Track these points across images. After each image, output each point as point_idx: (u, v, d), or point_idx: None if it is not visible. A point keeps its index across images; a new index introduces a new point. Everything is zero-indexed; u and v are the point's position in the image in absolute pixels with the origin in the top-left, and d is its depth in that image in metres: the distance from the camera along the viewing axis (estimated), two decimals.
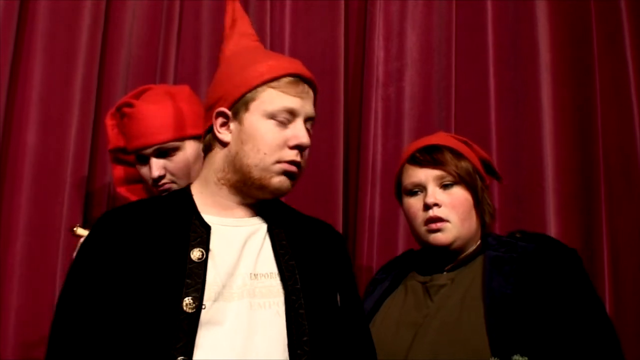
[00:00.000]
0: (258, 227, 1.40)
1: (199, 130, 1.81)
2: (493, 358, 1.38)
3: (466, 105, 2.39)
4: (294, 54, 2.39)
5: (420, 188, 1.62)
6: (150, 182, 1.80)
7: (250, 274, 1.33)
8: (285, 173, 1.36)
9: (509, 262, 1.53)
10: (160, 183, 1.77)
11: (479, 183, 1.64)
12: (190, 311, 1.24)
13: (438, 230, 1.58)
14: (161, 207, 1.41)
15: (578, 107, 2.41)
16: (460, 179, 1.60)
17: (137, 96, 1.84)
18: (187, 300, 1.24)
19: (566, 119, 2.42)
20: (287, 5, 2.43)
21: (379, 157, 2.36)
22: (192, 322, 1.23)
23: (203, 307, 1.25)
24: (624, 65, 2.38)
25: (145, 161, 1.78)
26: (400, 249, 2.27)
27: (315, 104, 1.44)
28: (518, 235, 1.64)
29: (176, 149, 1.77)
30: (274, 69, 1.39)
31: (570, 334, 1.44)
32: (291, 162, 1.36)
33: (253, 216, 1.41)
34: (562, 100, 2.43)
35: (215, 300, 1.27)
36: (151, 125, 1.75)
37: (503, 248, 1.58)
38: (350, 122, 2.42)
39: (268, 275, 1.34)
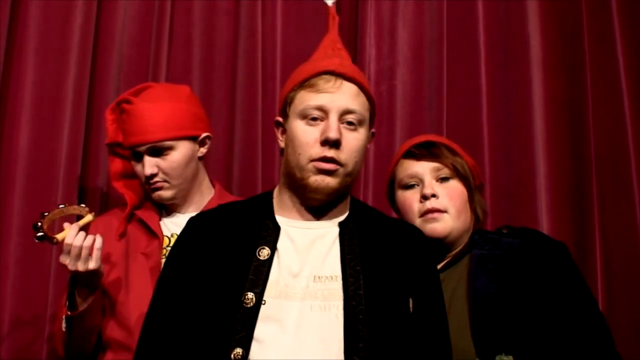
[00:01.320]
0: (329, 230, 1.42)
1: (195, 132, 1.83)
2: (477, 359, 1.39)
3: (458, 103, 2.40)
4: (285, 53, 2.39)
5: (417, 181, 1.63)
6: (143, 179, 1.81)
7: (314, 276, 1.35)
8: (320, 171, 1.35)
9: (493, 260, 1.53)
10: (152, 181, 1.79)
11: (472, 179, 1.65)
12: (249, 305, 1.30)
13: (435, 220, 1.59)
14: (244, 209, 1.50)
15: (569, 104, 2.42)
16: (456, 173, 1.62)
17: (137, 93, 1.85)
18: (249, 294, 1.31)
19: (557, 116, 2.43)
20: (278, 5, 2.43)
21: (371, 154, 2.36)
22: (251, 316, 1.29)
23: (263, 302, 1.30)
24: (614, 63, 2.39)
25: (140, 158, 1.79)
26: None
27: (364, 97, 1.41)
28: (504, 231, 1.65)
29: (170, 149, 1.78)
30: (307, 71, 1.42)
31: (558, 330, 1.43)
32: (322, 159, 1.35)
33: (327, 218, 1.43)
34: (554, 98, 2.44)
35: (276, 298, 1.32)
36: (147, 124, 1.77)
37: (487, 245, 1.58)
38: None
39: (332, 278, 1.35)
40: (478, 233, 1.64)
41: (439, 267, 1.60)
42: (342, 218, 1.45)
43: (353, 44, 2.45)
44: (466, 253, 1.61)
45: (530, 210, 2.32)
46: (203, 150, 1.89)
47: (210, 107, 2.25)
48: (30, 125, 2.20)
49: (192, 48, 2.36)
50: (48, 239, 1.66)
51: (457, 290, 1.54)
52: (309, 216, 1.43)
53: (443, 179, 1.62)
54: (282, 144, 1.46)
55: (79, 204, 2.15)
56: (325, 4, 2.40)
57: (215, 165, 2.25)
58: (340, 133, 1.35)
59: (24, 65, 2.23)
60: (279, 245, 1.38)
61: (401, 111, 2.41)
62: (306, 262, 1.36)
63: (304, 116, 1.38)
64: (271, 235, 1.39)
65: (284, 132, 1.45)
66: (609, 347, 1.47)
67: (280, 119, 1.46)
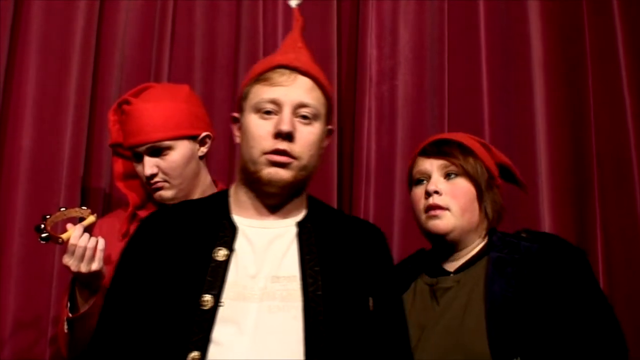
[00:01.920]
0: (287, 230, 1.40)
1: (195, 131, 1.83)
2: None
3: (459, 103, 2.40)
4: None
5: (426, 177, 1.63)
6: (143, 179, 1.81)
7: (273, 276, 1.33)
8: (272, 163, 1.34)
9: (511, 263, 1.52)
10: (152, 182, 1.79)
11: (485, 178, 1.63)
12: (206, 308, 1.28)
13: (436, 217, 1.58)
14: (200, 208, 1.47)
15: (571, 104, 2.43)
16: (465, 171, 1.60)
17: (137, 94, 1.85)
18: (206, 297, 1.28)
19: (559, 116, 2.43)
20: (279, 5, 2.43)
21: (372, 155, 2.36)
22: (208, 319, 1.27)
23: (221, 304, 1.28)
24: (616, 63, 2.40)
25: (140, 159, 1.79)
26: (395, 246, 2.27)
27: (320, 92, 1.39)
28: (523, 235, 1.63)
29: (169, 148, 1.78)
30: (262, 65, 1.41)
31: (573, 336, 1.42)
32: (274, 152, 1.33)
33: (284, 218, 1.41)
34: (555, 98, 2.44)
35: (234, 300, 1.30)
36: (146, 124, 1.77)
37: (506, 249, 1.56)
38: (344, 121, 2.43)
39: (290, 279, 1.34)
40: (497, 235, 1.62)
41: (454, 268, 1.60)
42: (299, 217, 1.43)
43: (354, 44, 2.46)
44: (484, 255, 1.59)
45: (532, 209, 2.32)
46: (204, 149, 1.88)
47: (212, 108, 2.25)
48: (33, 126, 2.21)
49: (193, 49, 2.37)
50: (53, 239, 1.66)
51: (474, 292, 1.52)
52: (266, 214, 1.40)
53: (450, 176, 1.61)
54: (237, 139, 1.44)
55: (81, 205, 2.17)
56: (327, 5, 2.43)
57: (217, 165, 2.25)
58: (294, 126, 1.34)
59: (27, 66, 2.24)
60: (236, 245, 1.36)
61: (402, 111, 2.41)
62: (264, 262, 1.35)
63: (257, 110, 1.36)
64: (228, 235, 1.37)
65: (240, 127, 1.43)
66: (622, 357, 1.46)
67: (237, 115, 1.45)
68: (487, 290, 1.49)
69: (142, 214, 1.86)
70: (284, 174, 1.34)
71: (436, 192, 1.58)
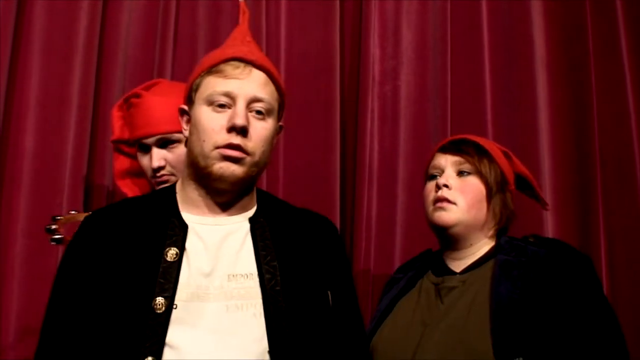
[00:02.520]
0: (239, 226, 1.37)
1: None
2: None
3: (462, 103, 2.40)
4: (289, 53, 2.40)
5: (439, 172, 1.65)
6: (149, 172, 1.80)
7: (228, 275, 1.30)
8: (225, 158, 1.30)
9: (518, 266, 1.52)
10: (159, 174, 1.77)
11: (498, 180, 1.64)
12: (160, 311, 1.23)
13: (442, 209, 1.59)
14: (146, 205, 1.41)
15: (573, 104, 2.42)
16: (477, 171, 1.61)
17: (147, 88, 1.86)
18: (158, 299, 1.24)
19: (562, 116, 2.43)
20: (282, 5, 2.43)
21: (375, 155, 2.36)
22: (161, 322, 1.23)
23: (174, 307, 1.25)
24: (619, 62, 2.40)
25: (147, 150, 1.79)
26: (398, 247, 2.28)
27: (274, 87, 1.38)
28: (531, 239, 1.63)
29: (178, 141, 1.78)
30: (215, 57, 1.38)
31: (576, 341, 1.43)
32: (228, 146, 1.30)
33: (236, 214, 1.38)
34: (558, 98, 2.44)
35: (188, 301, 1.26)
36: (157, 116, 1.77)
37: (513, 252, 1.56)
38: (347, 121, 2.43)
39: (246, 276, 1.31)
40: (505, 239, 1.62)
41: (460, 268, 1.61)
42: (251, 212, 1.40)
43: (357, 44, 2.46)
44: (491, 257, 1.60)
45: (534, 209, 2.31)
46: None
47: None
48: (36, 126, 2.21)
49: (196, 48, 2.36)
50: (65, 241, 1.64)
51: (480, 293, 1.52)
52: (216, 211, 1.37)
53: (462, 173, 1.62)
54: (186, 133, 1.40)
55: (84, 204, 2.17)
56: (329, 6, 2.43)
57: None
58: (248, 121, 1.31)
59: (30, 66, 2.24)
60: (187, 244, 1.31)
61: (405, 111, 2.41)
62: (218, 260, 1.31)
63: (210, 102, 1.32)
64: (178, 234, 1.32)
65: (189, 120, 1.39)
66: None
67: (185, 107, 1.41)
68: (493, 291, 1.50)
69: None
70: (235, 169, 1.31)
71: (446, 186, 1.60)
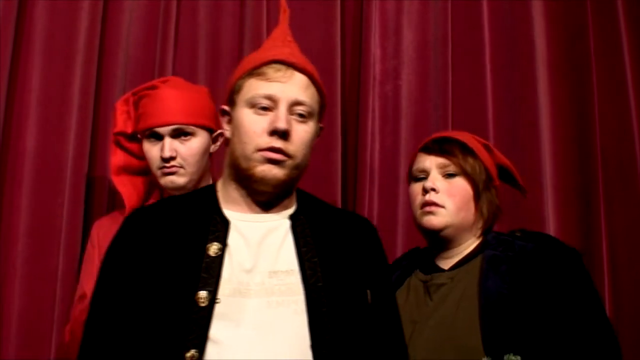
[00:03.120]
0: (280, 223, 1.38)
1: (214, 125, 1.84)
2: (486, 357, 1.39)
3: (463, 103, 2.40)
4: None
5: (425, 174, 1.64)
6: (156, 163, 1.80)
7: (269, 271, 1.31)
8: (267, 160, 1.31)
9: (506, 261, 1.53)
10: (169, 164, 1.78)
11: (483, 179, 1.64)
12: (203, 304, 1.25)
13: (431, 213, 1.59)
14: (187, 203, 1.43)
15: (575, 103, 2.43)
16: (463, 171, 1.61)
17: (162, 82, 1.88)
18: (201, 293, 1.26)
19: (563, 116, 2.43)
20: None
21: (376, 155, 2.37)
22: (204, 316, 1.24)
23: (217, 301, 1.26)
24: (620, 62, 2.40)
25: (159, 139, 1.79)
26: (399, 246, 2.28)
27: (315, 89, 1.38)
28: (518, 234, 1.64)
29: (191, 134, 1.80)
30: (257, 59, 1.38)
31: (566, 334, 1.44)
32: (270, 149, 1.30)
33: (276, 211, 1.39)
34: (559, 97, 2.44)
35: (231, 296, 1.27)
36: (173, 106, 1.78)
37: (501, 247, 1.58)
38: (348, 121, 2.43)
39: (288, 273, 1.32)
40: (492, 234, 1.64)
41: (448, 266, 1.62)
42: (291, 211, 1.40)
43: (358, 44, 2.46)
44: (478, 253, 1.61)
45: (536, 209, 2.31)
46: (215, 146, 1.90)
47: (215, 107, 2.25)
48: (37, 126, 2.21)
49: (197, 49, 2.37)
50: None
51: (468, 289, 1.53)
52: (257, 209, 1.37)
53: (449, 175, 1.62)
54: (227, 134, 1.40)
55: (85, 204, 2.17)
56: (329, 6, 2.43)
57: (221, 164, 2.24)
58: (290, 124, 1.31)
59: (31, 67, 2.24)
60: (229, 240, 1.32)
61: (406, 111, 2.41)
62: (259, 257, 1.32)
63: (252, 105, 1.33)
64: (220, 230, 1.33)
65: (229, 120, 1.40)
66: (612, 355, 1.47)
67: (227, 108, 1.41)
68: (482, 287, 1.51)
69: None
70: (277, 172, 1.32)
71: (433, 190, 1.60)
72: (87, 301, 1.76)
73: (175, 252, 1.31)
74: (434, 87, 2.42)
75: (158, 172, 1.81)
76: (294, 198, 1.43)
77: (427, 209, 1.59)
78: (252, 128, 1.32)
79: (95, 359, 1.29)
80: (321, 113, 1.43)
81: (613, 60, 2.41)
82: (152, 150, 1.81)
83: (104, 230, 1.85)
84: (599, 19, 2.45)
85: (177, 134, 1.79)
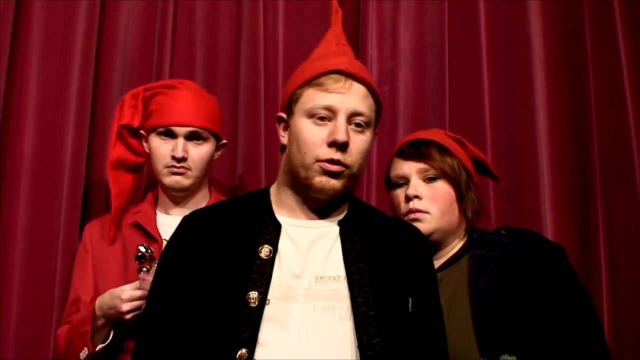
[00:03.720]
0: (330, 229, 1.40)
1: (221, 134, 1.89)
2: (482, 359, 1.39)
3: (460, 103, 2.40)
4: (287, 56, 2.40)
5: (405, 180, 1.65)
6: (164, 161, 1.80)
7: (317, 276, 1.33)
8: (326, 172, 1.33)
9: (494, 260, 1.55)
10: (179, 165, 1.79)
11: (464, 179, 1.65)
12: (253, 305, 1.27)
13: (417, 220, 1.60)
14: (241, 206, 1.46)
15: (572, 104, 2.42)
16: (444, 174, 1.62)
17: (179, 83, 1.89)
18: (252, 294, 1.28)
19: (560, 115, 2.43)
20: (279, 7, 2.43)
21: (374, 156, 2.36)
22: (255, 316, 1.27)
23: (267, 302, 1.28)
24: (617, 61, 2.39)
25: (172, 137, 1.80)
26: None
27: (372, 99, 1.39)
28: (503, 232, 1.66)
29: (204, 139, 1.83)
30: (316, 68, 1.39)
31: (556, 331, 1.45)
32: (329, 161, 1.32)
33: (327, 217, 1.41)
34: (556, 97, 2.44)
35: (280, 299, 1.29)
36: (192, 109, 1.81)
37: (487, 246, 1.59)
38: None
39: (334, 279, 1.34)
40: (477, 233, 1.65)
41: (436, 267, 1.60)
42: (341, 216, 1.43)
43: (355, 45, 2.45)
44: (465, 253, 1.62)
45: (533, 209, 2.31)
46: (217, 154, 1.92)
47: None
48: (35, 129, 2.21)
49: (194, 51, 2.36)
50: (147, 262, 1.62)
51: (458, 290, 1.55)
52: (309, 215, 1.40)
53: (430, 179, 1.63)
54: (284, 140, 1.43)
55: (83, 207, 2.17)
56: (328, 7, 2.42)
57: (219, 168, 2.25)
58: (348, 135, 1.33)
59: (28, 70, 2.24)
60: (280, 244, 1.36)
61: (403, 112, 2.41)
62: (307, 262, 1.34)
63: (311, 115, 1.35)
64: (272, 233, 1.37)
65: (286, 128, 1.43)
66: (599, 347, 1.49)
67: (284, 115, 1.43)
68: (472, 288, 1.52)
69: (137, 217, 1.86)
70: (335, 183, 1.35)
71: (416, 197, 1.60)
72: (82, 305, 1.78)
73: (228, 253, 1.35)
74: (431, 88, 2.41)
75: (164, 170, 1.82)
76: (345, 205, 1.45)
77: (412, 216, 1.60)
78: (312, 139, 1.34)
79: (149, 355, 1.32)
80: (377, 121, 1.45)
81: (610, 60, 2.41)
82: (162, 148, 1.81)
83: (97, 234, 1.87)
84: (595, 19, 2.44)
85: (192, 137, 1.81)
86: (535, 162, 2.34)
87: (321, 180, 1.34)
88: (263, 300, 1.28)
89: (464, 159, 1.68)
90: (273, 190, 1.46)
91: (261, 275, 1.31)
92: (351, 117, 1.35)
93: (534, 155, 2.35)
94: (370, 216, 1.49)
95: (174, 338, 1.31)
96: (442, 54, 2.42)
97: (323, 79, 1.36)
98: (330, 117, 1.34)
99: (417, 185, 1.62)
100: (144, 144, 1.89)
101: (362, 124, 1.36)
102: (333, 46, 1.47)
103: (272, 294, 1.30)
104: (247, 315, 1.27)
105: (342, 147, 1.32)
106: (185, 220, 1.45)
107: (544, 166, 2.37)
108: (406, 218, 1.62)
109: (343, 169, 1.34)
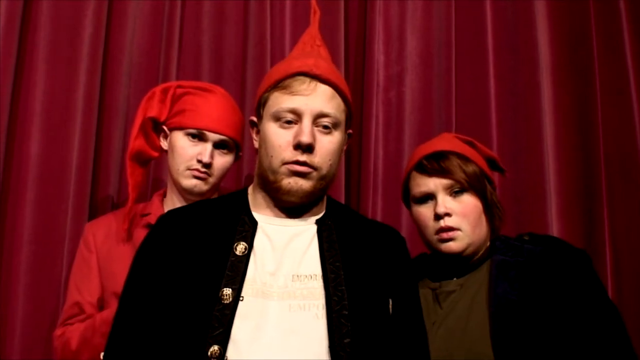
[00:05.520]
0: (307, 228, 1.40)
1: (241, 145, 1.89)
2: None
3: (466, 108, 2.40)
4: None
5: (430, 197, 1.61)
6: (188, 162, 1.79)
7: (293, 275, 1.33)
8: (293, 173, 1.34)
9: (515, 266, 1.52)
10: (202, 169, 1.78)
11: (488, 186, 1.63)
12: (227, 301, 1.27)
13: (450, 239, 1.57)
14: (218, 205, 1.46)
15: (578, 108, 2.42)
16: (470, 186, 1.59)
17: (214, 87, 1.88)
18: (226, 290, 1.28)
19: (567, 120, 2.43)
20: (286, 11, 2.43)
21: (380, 161, 2.36)
22: (228, 313, 1.26)
23: (241, 299, 1.28)
24: (623, 65, 2.40)
25: (201, 140, 1.79)
26: None
27: (340, 99, 1.39)
28: (526, 238, 1.64)
29: (231, 150, 1.83)
30: (281, 71, 1.40)
31: (578, 341, 1.42)
32: (295, 162, 1.33)
33: (304, 217, 1.41)
34: (563, 102, 2.44)
35: (254, 297, 1.29)
36: (228, 117, 1.81)
37: (510, 252, 1.57)
38: (352, 127, 2.42)
39: (311, 277, 1.33)
40: (499, 239, 1.63)
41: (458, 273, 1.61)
42: (319, 216, 1.43)
43: (361, 50, 2.46)
44: (486, 259, 1.60)
45: (539, 213, 2.31)
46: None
47: None
48: (41, 133, 2.21)
49: (201, 55, 2.37)
50: None
51: (478, 295, 1.53)
52: (286, 214, 1.40)
53: (456, 193, 1.60)
54: (256, 144, 1.44)
55: (90, 211, 2.17)
56: (334, 10, 2.43)
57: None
58: (314, 137, 1.33)
59: (35, 74, 2.25)
60: (255, 241, 1.35)
61: (410, 117, 2.41)
62: (283, 260, 1.34)
63: (277, 118, 1.35)
64: (247, 230, 1.37)
65: (258, 132, 1.44)
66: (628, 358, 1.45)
67: (255, 119, 1.45)
68: (491, 293, 1.50)
69: (148, 219, 1.84)
70: (303, 183, 1.35)
71: (447, 214, 1.57)
72: (86, 307, 1.76)
73: (204, 250, 1.34)
74: (438, 92, 2.42)
75: (186, 172, 1.80)
76: (323, 205, 1.45)
77: (445, 235, 1.57)
78: (278, 142, 1.35)
79: (121, 352, 1.32)
80: (348, 120, 1.44)
81: (616, 64, 2.41)
82: (190, 149, 1.80)
83: (101, 234, 1.85)
84: (602, 23, 2.45)
85: (220, 145, 1.81)
86: (541, 167, 2.34)
87: (289, 182, 1.34)
88: (237, 297, 1.27)
89: (480, 162, 1.65)
90: (250, 190, 1.47)
91: (235, 271, 1.30)
92: (317, 118, 1.35)
93: (540, 159, 2.35)
94: (349, 217, 1.49)
95: (147, 335, 1.30)
96: (449, 58, 2.42)
97: (288, 82, 1.36)
98: (296, 120, 1.35)
99: (445, 202, 1.58)
100: (162, 140, 1.87)
101: (329, 125, 1.36)
102: (308, 47, 1.47)
103: (246, 291, 1.29)
104: (220, 312, 1.26)
105: (308, 148, 1.33)
106: (161, 219, 1.45)
107: (550, 171, 2.37)
108: (437, 237, 1.58)
109: (310, 170, 1.34)
